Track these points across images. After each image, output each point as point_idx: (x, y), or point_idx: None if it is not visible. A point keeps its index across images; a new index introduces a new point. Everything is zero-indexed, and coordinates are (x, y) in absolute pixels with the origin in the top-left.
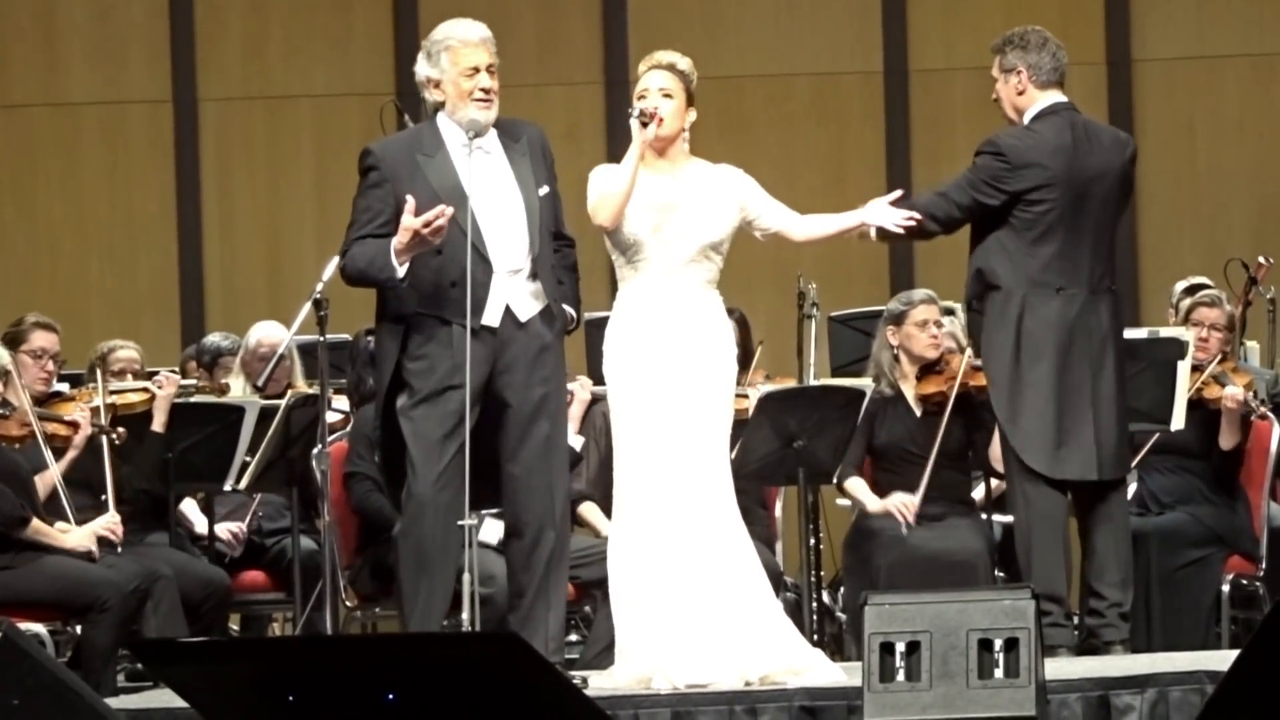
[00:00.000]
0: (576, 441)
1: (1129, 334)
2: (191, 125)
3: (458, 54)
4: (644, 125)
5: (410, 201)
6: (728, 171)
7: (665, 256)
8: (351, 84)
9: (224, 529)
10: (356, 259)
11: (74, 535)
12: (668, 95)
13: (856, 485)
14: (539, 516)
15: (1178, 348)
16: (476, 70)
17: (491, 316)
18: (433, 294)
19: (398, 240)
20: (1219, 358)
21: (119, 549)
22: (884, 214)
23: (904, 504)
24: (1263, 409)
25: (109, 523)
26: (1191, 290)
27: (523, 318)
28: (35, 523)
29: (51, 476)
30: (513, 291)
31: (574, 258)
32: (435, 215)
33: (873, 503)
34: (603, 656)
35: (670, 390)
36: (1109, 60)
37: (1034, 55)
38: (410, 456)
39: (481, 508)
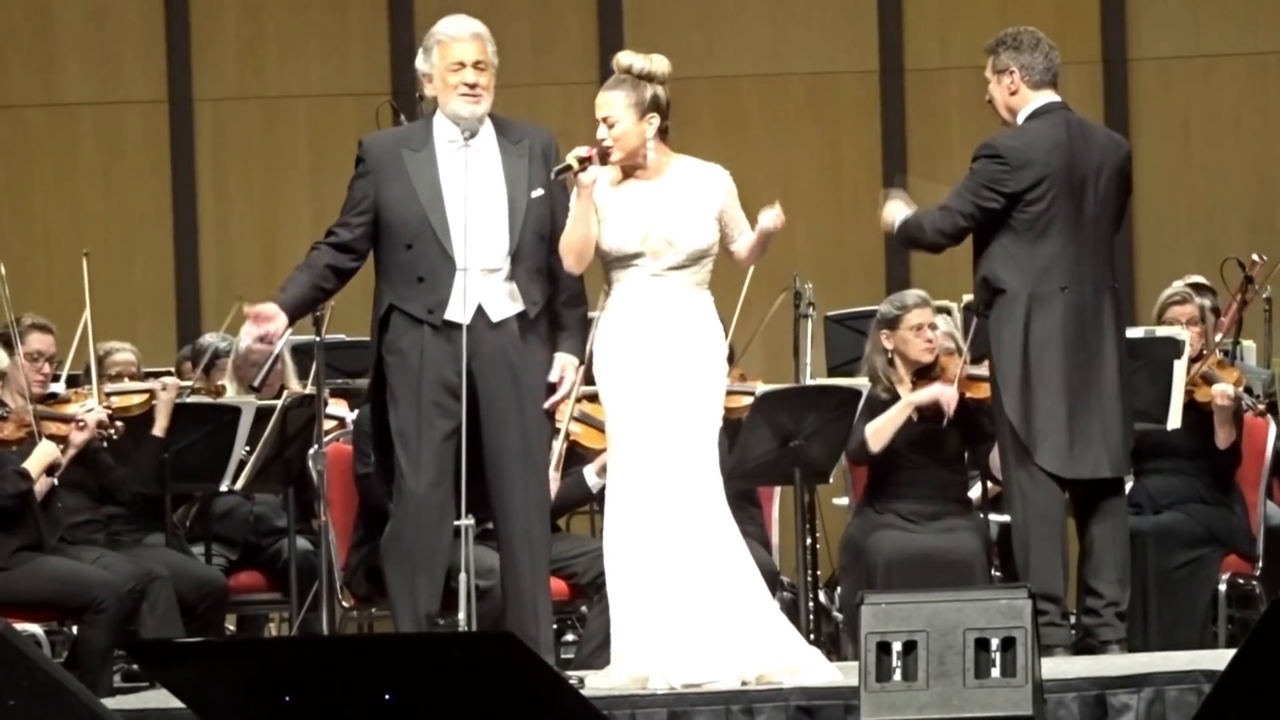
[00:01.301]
0: (596, 484)
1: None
2: (187, 125)
3: (446, 49)
4: (581, 170)
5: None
6: (714, 177)
7: (653, 263)
8: (347, 84)
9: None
10: (297, 269)
11: (44, 446)
12: (611, 123)
13: (874, 421)
14: (516, 517)
15: (1174, 346)
16: (462, 65)
17: (457, 313)
18: (403, 289)
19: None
20: (1200, 352)
21: (114, 432)
22: (765, 219)
23: (948, 394)
24: (1258, 405)
25: (92, 421)
26: (1189, 289)
27: (495, 318)
28: (30, 466)
29: (47, 478)
30: (486, 291)
31: (576, 290)
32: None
33: (915, 395)
34: (597, 655)
35: (657, 392)
36: (1104, 59)
37: (1027, 55)
38: (395, 454)
39: (476, 509)
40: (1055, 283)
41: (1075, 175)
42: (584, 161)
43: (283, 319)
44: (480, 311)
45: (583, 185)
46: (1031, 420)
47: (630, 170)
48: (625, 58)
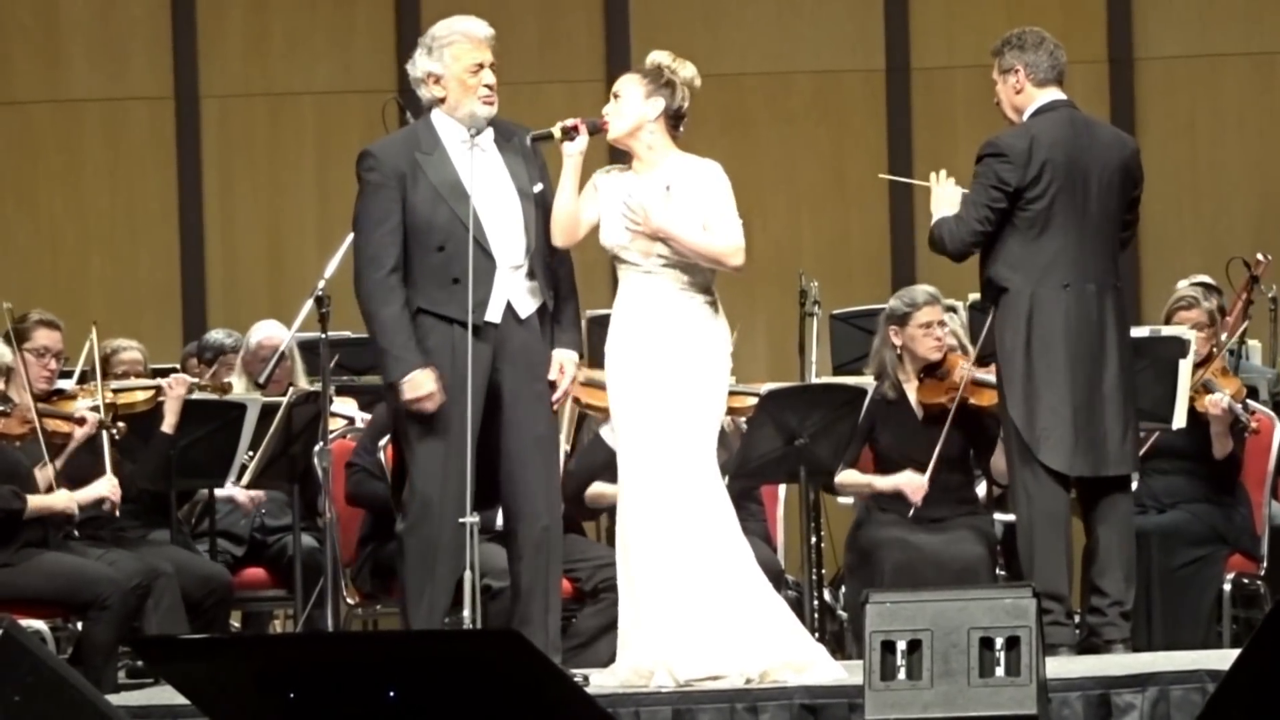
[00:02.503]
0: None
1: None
2: (193, 122)
3: (463, 51)
4: (567, 139)
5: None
6: (702, 172)
7: (645, 260)
8: (353, 80)
9: (243, 494)
10: (384, 320)
11: (60, 496)
12: (616, 95)
13: (851, 474)
14: (533, 513)
15: (1179, 346)
16: (481, 67)
17: (494, 312)
18: (436, 291)
19: (414, 395)
20: (1206, 357)
21: (118, 512)
22: None
23: (915, 485)
24: (1252, 424)
25: (107, 489)
26: (1193, 288)
27: (523, 314)
28: (30, 499)
29: (50, 473)
30: (513, 287)
31: (569, 283)
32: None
33: (880, 481)
34: (578, 652)
35: (652, 389)
36: (1110, 58)
37: (1031, 54)
38: (413, 454)
39: (483, 505)
40: (1057, 280)
41: (1077, 171)
42: (569, 131)
43: (437, 388)
44: (509, 308)
45: (568, 155)
46: (1035, 418)
47: (630, 165)
48: (655, 55)
